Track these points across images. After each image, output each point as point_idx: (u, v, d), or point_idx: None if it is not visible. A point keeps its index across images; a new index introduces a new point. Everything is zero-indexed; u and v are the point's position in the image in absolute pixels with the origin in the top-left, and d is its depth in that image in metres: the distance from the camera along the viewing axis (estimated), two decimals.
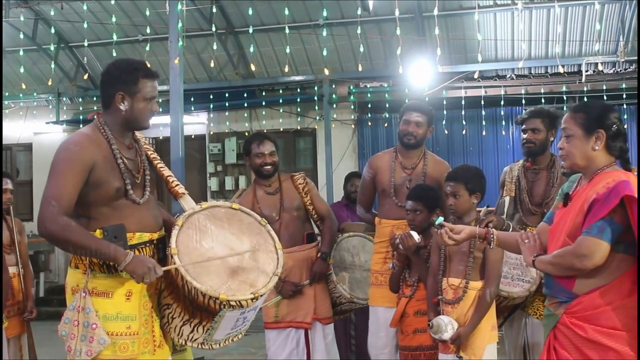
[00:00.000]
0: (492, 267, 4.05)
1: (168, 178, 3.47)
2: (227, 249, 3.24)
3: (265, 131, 12.91)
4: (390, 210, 4.84)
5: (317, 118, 12.62)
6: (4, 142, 10.88)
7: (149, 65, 3.38)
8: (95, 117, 3.33)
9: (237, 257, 3.23)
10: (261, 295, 3.18)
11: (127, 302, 3.15)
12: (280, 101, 12.78)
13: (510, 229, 4.42)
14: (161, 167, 3.46)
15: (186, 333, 3.28)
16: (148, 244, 3.23)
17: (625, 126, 9.72)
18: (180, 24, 8.16)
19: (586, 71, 11.22)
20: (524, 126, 4.80)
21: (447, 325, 3.96)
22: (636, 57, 10.90)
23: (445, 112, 11.75)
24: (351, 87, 12.34)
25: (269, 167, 5.12)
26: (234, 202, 3.51)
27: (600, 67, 11.03)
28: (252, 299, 3.11)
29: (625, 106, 11.50)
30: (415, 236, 4.35)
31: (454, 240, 3.57)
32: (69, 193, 3.06)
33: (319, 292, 5.05)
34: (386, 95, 11.91)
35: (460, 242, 3.67)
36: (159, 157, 3.52)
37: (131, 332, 3.14)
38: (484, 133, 11.88)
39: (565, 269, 3.01)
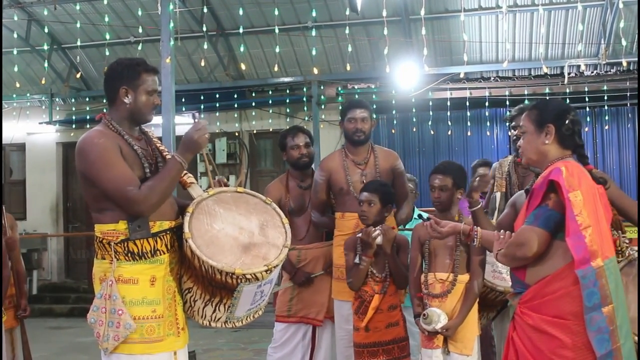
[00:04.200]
0: (477, 260, 4.10)
1: None
2: (237, 228, 3.37)
3: (255, 132, 13.12)
4: (353, 205, 4.80)
5: (306, 119, 12.67)
6: None
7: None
8: (102, 117, 3.46)
9: (248, 235, 3.36)
10: (274, 267, 3.29)
11: (151, 287, 3.28)
12: (270, 102, 12.86)
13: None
14: (169, 158, 3.54)
15: (209, 314, 3.41)
16: (168, 232, 3.36)
17: (606, 127, 9.87)
18: (172, 24, 8.29)
19: (568, 73, 11.34)
20: (512, 123, 4.91)
21: (439, 316, 3.98)
22: (616, 60, 11.09)
23: (431, 113, 11.89)
24: (339, 88, 12.38)
25: (306, 158, 5.21)
26: (238, 187, 3.62)
27: (582, 69, 11.16)
28: (266, 271, 3.23)
29: (606, 107, 11.67)
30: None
31: (438, 233, 3.68)
32: (129, 173, 3.23)
33: None
34: (373, 97, 11.92)
35: (445, 236, 3.78)
36: (167, 149, 3.64)
37: (156, 316, 3.27)
38: (469, 133, 11.95)
39: (512, 260, 3.11)
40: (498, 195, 4.97)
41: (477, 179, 4.13)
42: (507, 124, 5.09)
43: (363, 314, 4.41)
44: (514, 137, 4.89)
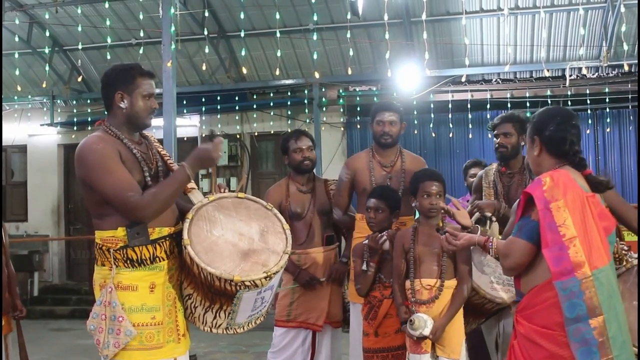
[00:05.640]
0: (464, 265, 4.13)
1: None
2: (237, 234, 3.35)
3: (256, 134, 13.12)
4: None
5: (307, 121, 12.67)
6: None
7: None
8: (100, 123, 3.46)
9: (248, 241, 3.34)
10: (274, 274, 3.26)
11: (151, 294, 3.28)
12: (271, 104, 12.85)
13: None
14: (171, 163, 3.58)
15: (210, 320, 3.41)
16: (167, 238, 3.35)
17: (608, 130, 9.88)
18: (173, 27, 8.30)
19: (570, 76, 11.36)
20: (496, 131, 4.94)
21: (426, 322, 3.98)
22: (618, 62, 11.09)
23: (432, 115, 11.89)
24: (340, 91, 12.41)
25: (308, 162, 5.16)
26: (238, 192, 3.60)
27: (584, 72, 11.13)
28: (265, 278, 3.21)
29: (608, 110, 11.65)
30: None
31: (454, 246, 3.63)
32: (129, 179, 3.23)
33: (333, 295, 5.08)
34: (375, 99, 11.91)
35: (461, 249, 3.74)
36: (168, 154, 3.64)
37: (156, 322, 3.27)
38: (470, 136, 11.93)
39: (504, 270, 3.14)
40: None
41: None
42: (492, 131, 5.08)
43: (372, 319, 4.41)
44: (497, 145, 4.94)
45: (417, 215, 4.46)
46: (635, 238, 3.80)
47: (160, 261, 3.31)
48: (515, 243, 2.99)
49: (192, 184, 3.57)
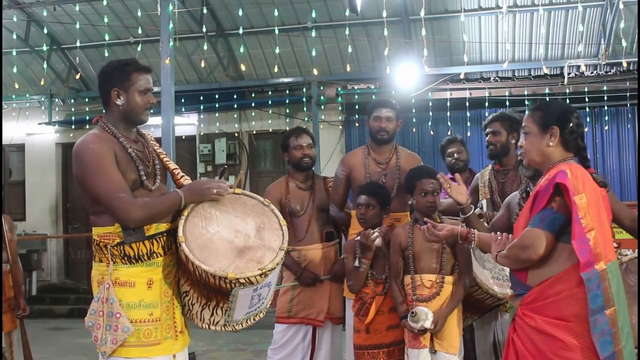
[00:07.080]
0: (464, 260, 4.17)
1: (174, 170, 3.58)
2: (233, 231, 3.32)
3: (255, 132, 13.11)
4: None
5: (306, 119, 12.65)
6: None
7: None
8: (98, 119, 3.46)
9: (244, 238, 3.31)
10: (269, 271, 3.23)
11: (148, 290, 3.27)
12: (269, 102, 12.82)
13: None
14: (167, 161, 3.58)
15: (207, 317, 3.39)
16: (165, 234, 3.34)
17: (606, 128, 9.86)
18: (171, 25, 8.28)
19: (568, 73, 11.34)
20: (487, 130, 5.03)
21: (427, 314, 4.02)
22: (616, 60, 11.09)
23: (431, 113, 11.86)
24: (339, 89, 12.37)
25: (308, 159, 5.20)
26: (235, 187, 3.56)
27: (582, 69, 11.13)
28: (260, 275, 3.18)
29: (606, 108, 11.64)
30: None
31: (436, 237, 3.65)
32: (122, 181, 3.21)
33: (333, 291, 5.09)
34: (373, 97, 11.78)
35: (443, 240, 3.75)
36: (164, 152, 3.64)
37: (153, 319, 3.26)
38: (468, 134, 11.85)
39: (515, 262, 3.08)
40: (484, 202, 5.04)
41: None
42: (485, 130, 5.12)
43: (364, 316, 4.41)
44: (487, 143, 5.02)
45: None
46: (625, 235, 3.82)
47: (157, 257, 3.30)
48: (537, 234, 2.95)
49: (188, 181, 3.56)
